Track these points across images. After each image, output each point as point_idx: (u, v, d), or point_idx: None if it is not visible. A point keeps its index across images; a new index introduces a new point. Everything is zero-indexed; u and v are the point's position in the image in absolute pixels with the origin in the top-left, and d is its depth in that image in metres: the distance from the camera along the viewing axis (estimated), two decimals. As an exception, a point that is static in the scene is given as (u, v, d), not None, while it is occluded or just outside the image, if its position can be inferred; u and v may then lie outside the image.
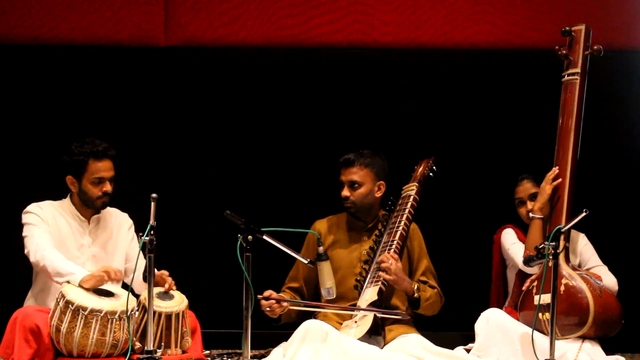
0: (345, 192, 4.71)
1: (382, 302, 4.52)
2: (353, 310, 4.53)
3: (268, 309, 4.49)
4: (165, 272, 4.58)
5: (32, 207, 4.62)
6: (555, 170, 4.81)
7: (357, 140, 5.33)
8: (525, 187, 5.00)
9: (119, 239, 4.76)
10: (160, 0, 5.61)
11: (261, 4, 5.64)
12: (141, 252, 4.25)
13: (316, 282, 4.63)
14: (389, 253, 4.57)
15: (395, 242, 4.61)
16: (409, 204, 4.73)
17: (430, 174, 4.89)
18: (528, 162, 5.19)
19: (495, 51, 5.67)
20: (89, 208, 4.67)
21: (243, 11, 5.64)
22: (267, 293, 4.51)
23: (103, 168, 4.59)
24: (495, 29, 5.64)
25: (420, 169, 4.91)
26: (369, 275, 4.62)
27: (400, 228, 4.65)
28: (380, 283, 4.52)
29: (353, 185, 4.70)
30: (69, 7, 5.57)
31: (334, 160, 4.85)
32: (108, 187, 4.62)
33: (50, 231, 4.57)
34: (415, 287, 4.61)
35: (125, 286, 4.55)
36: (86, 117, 5.62)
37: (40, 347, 4.27)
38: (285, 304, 4.50)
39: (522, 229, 4.98)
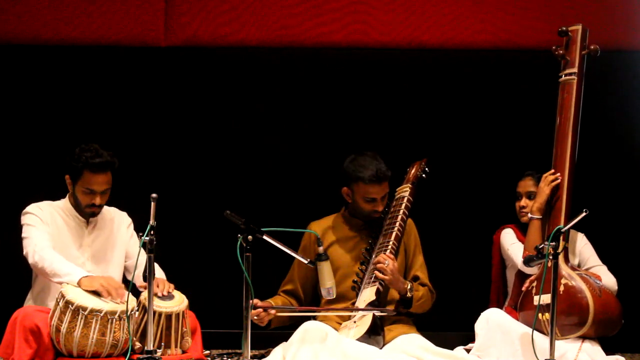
0: (379, 207, 4.70)
1: (380, 302, 4.53)
2: (352, 311, 4.54)
3: (256, 317, 4.46)
4: (165, 284, 4.57)
5: (31, 207, 4.61)
6: (555, 174, 4.80)
7: (357, 141, 5.33)
8: (526, 184, 5.00)
9: (119, 237, 4.75)
10: (161, 0, 5.61)
11: (261, 4, 5.65)
12: (142, 249, 4.25)
13: (314, 282, 4.65)
14: (385, 253, 4.58)
15: (391, 242, 4.63)
16: (403, 205, 4.75)
17: (423, 175, 4.91)
18: (527, 162, 5.18)
19: (494, 51, 5.67)
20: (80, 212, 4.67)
21: (243, 11, 5.65)
22: (253, 302, 4.49)
23: (96, 181, 4.54)
24: (494, 29, 5.65)
25: (413, 170, 4.93)
26: (365, 276, 4.63)
27: (396, 229, 4.67)
28: (377, 283, 4.53)
29: (383, 199, 4.72)
30: (68, 7, 5.57)
31: (334, 160, 4.85)
32: (97, 200, 4.58)
33: (50, 231, 4.56)
34: (409, 287, 4.62)
35: (125, 285, 4.55)
36: (86, 118, 5.62)
37: (40, 347, 4.26)
38: (272, 311, 4.49)
39: (522, 229, 4.97)
